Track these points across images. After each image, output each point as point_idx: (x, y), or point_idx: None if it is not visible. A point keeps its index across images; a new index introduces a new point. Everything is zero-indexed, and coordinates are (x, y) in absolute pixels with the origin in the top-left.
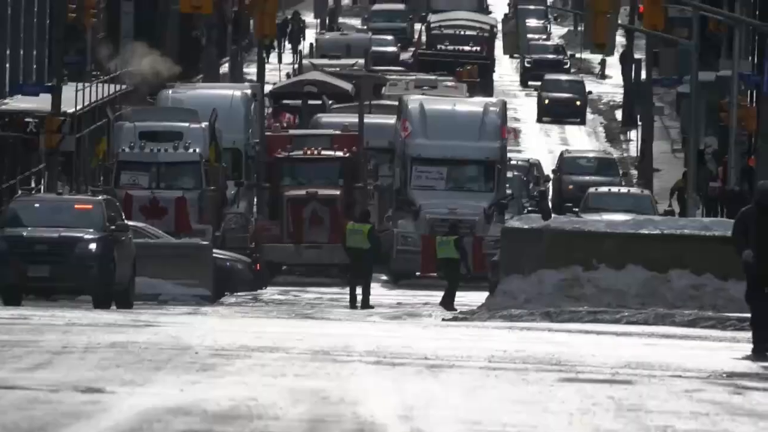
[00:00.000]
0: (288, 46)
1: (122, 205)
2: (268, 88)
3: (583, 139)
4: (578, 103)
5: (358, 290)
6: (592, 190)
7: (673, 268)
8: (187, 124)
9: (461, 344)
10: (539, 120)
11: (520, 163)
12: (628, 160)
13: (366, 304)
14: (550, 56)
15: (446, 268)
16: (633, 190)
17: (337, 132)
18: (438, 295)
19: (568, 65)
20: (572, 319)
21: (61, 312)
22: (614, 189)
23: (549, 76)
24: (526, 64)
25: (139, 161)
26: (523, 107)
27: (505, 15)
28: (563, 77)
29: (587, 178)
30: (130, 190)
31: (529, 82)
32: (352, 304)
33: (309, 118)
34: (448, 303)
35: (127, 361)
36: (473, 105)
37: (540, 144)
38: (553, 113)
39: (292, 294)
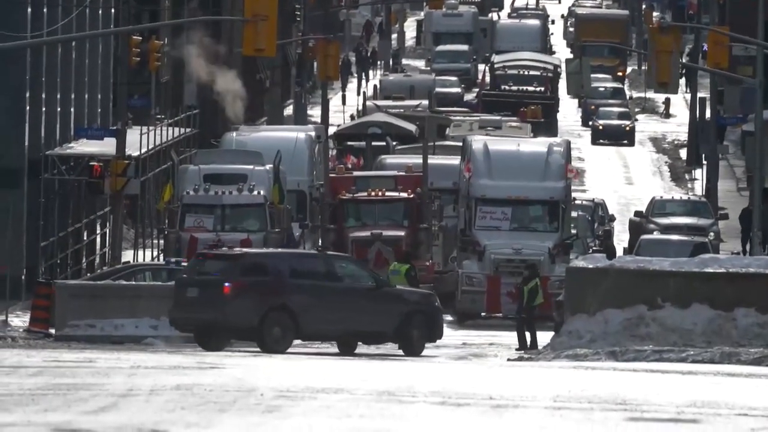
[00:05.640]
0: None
1: (187, 247)
2: (332, 129)
3: (647, 178)
4: (627, 129)
5: None
6: (644, 237)
7: (739, 306)
8: (251, 167)
9: (526, 384)
10: (594, 143)
11: (584, 202)
12: None
13: None
14: (616, 122)
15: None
16: (690, 238)
17: (401, 173)
18: (504, 335)
19: (634, 129)
20: (637, 358)
21: (126, 355)
22: (668, 236)
23: (602, 108)
24: (599, 127)
25: (204, 204)
26: (587, 147)
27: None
28: (615, 109)
29: (678, 220)
30: (195, 232)
31: (600, 140)
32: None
33: (373, 160)
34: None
35: (192, 404)
36: (537, 145)
37: (604, 183)
38: (607, 137)
39: None
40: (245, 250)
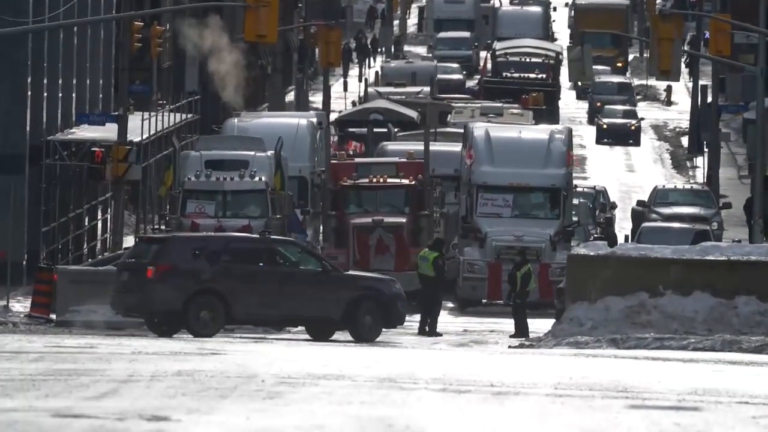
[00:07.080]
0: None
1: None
2: (333, 116)
3: (648, 166)
4: (633, 128)
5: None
6: (646, 224)
7: (740, 294)
8: (252, 153)
9: (527, 371)
10: (598, 142)
11: (586, 190)
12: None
13: (433, 332)
14: (621, 121)
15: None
16: (691, 226)
17: (403, 160)
18: (505, 322)
19: (639, 128)
20: (639, 346)
21: (127, 341)
22: (669, 224)
23: (607, 106)
24: (603, 126)
25: (205, 190)
26: (588, 134)
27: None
28: (620, 107)
29: (680, 209)
30: (196, 218)
31: (605, 140)
32: (421, 331)
33: (375, 146)
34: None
35: (193, 390)
36: (539, 132)
37: (606, 171)
38: (611, 136)
39: None
40: (176, 233)
